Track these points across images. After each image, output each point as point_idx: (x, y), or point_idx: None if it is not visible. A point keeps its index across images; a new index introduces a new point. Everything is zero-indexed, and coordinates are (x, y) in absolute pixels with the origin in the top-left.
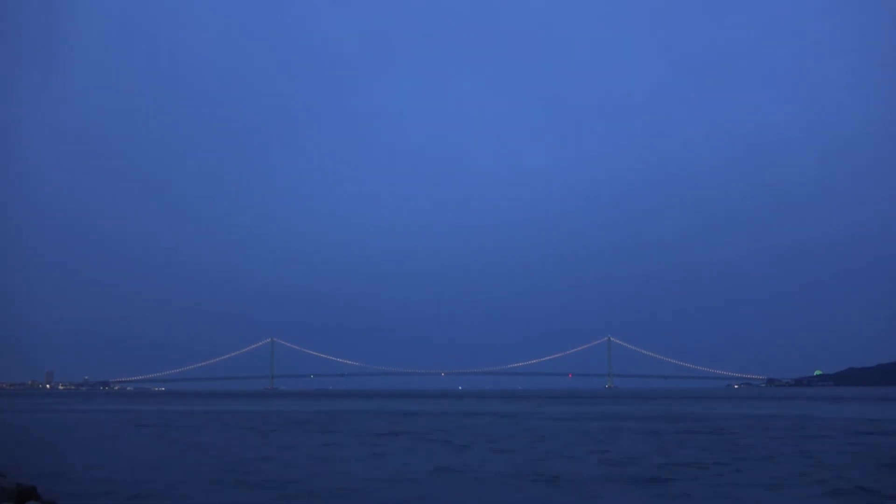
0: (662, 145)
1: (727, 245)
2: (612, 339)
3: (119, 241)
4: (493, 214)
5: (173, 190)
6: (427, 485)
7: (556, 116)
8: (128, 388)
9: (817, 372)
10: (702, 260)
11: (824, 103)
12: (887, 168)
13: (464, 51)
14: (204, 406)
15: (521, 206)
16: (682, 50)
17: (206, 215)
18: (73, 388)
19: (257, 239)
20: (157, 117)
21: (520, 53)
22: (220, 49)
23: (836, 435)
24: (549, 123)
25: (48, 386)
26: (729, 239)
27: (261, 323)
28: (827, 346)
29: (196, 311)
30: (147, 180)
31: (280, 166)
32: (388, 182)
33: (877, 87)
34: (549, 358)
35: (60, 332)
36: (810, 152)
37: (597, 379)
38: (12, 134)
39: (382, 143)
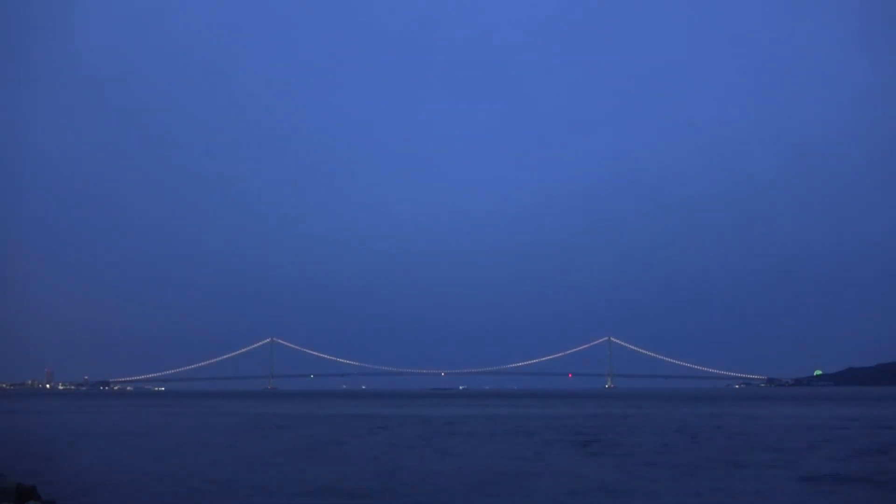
0: (628, 152)
1: (716, 245)
2: (612, 339)
3: (119, 241)
4: (488, 215)
5: (173, 190)
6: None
7: (522, 129)
8: (128, 388)
9: (817, 372)
10: (698, 260)
11: (781, 106)
12: (868, 170)
13: (430, 69)
14: (197, 406)
15: (513, 209)
16: (637, 61)
17: (205, 215)
18: (73, 388)
19: (257, 239)
20: (156, 115)
21: (481, 71)
22: (212, 58)
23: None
24: (516, 136)
25: (48, 386)
26: (716, 238)
27: (261, 323)
28: (827, 346)
29: (196, 311)
30: (146, 180)
31: (275, 170)
32: (384, 185)
33: (832, 87)
34: (549, 358)
35: (60, 332)
36: (773, 154)
37: (597, 379)
38: (12, 133)
39: (366, 150)
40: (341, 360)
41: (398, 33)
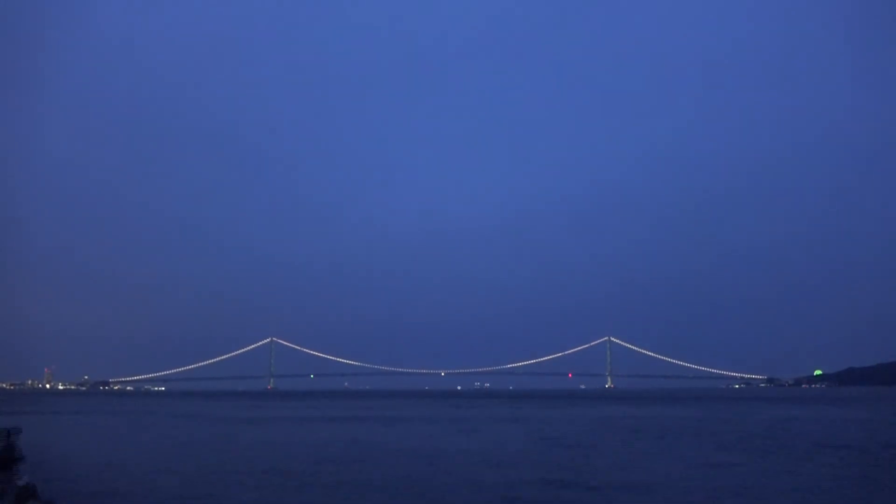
0: (597, 160)
1: (715, 246)
2: (612, 339)
3: (119, 241)
4: (486, 216)
5: (172, 191)
6: None
7: (489, 140)
8: (128, 388)
9: (817, 372)
10: (697, 260)
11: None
12: (861, 170)
13: (395, 82)
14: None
15: (509, 211)
16: (597, 73)
17: (205, 215)
18: (72, 387)
19: (256, 239)
20: (149, 122)
21: (448, 82)
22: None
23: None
24: (486, 144)
25: (48, 386)
26: (716, 239)
27: (261, 323)
28: (827, 346)
29: (196, 311)
30: (145, 183)
31: (273, 171)
32: (381, 189)
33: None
34: (548, 358)
35: (60, 332)
36: (757, 155)
37: (597, 379)
38: (12, 133)
39: (365, 155)
40: (341, 360)
41: (375, 40)
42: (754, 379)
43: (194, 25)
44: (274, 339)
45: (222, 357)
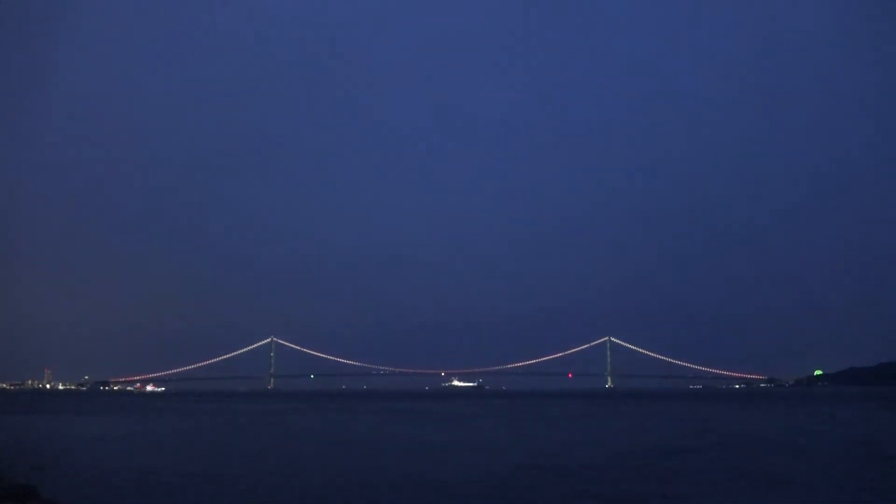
0: (595, 160)
1: (715, 245)
2: (612, 339)
3: (119, 241)
4: (485, 214)
5: (171, 190)
6: None
7: (487, 139)
8: (127, 388)
9: (817, 372)
10: (696, 260)
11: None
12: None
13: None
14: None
15: (509, 209)
16: (595, 74)
17: (205, 216)
18: (72, 387)
19: (255, 239)
20: (146, 123)
21: (422, 86)
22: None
23: None
24: (483, 143)
25: (48, 386)
26: (715, 238)
27: (261, 323)
28: (827, 346)
29: (196, 311)
30: (142, 181)
31: (271, 169)
32: (382, 187)
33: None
34: (548, 358)
35: (60, 332)
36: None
37: (597, 379)
38: (11, 133)
39: (349, 155)
40: (341, 360)
41: (380, 33)
42: (754, 379)
43: (188, 31)
44: (274, 339)
45: (222, 357)
